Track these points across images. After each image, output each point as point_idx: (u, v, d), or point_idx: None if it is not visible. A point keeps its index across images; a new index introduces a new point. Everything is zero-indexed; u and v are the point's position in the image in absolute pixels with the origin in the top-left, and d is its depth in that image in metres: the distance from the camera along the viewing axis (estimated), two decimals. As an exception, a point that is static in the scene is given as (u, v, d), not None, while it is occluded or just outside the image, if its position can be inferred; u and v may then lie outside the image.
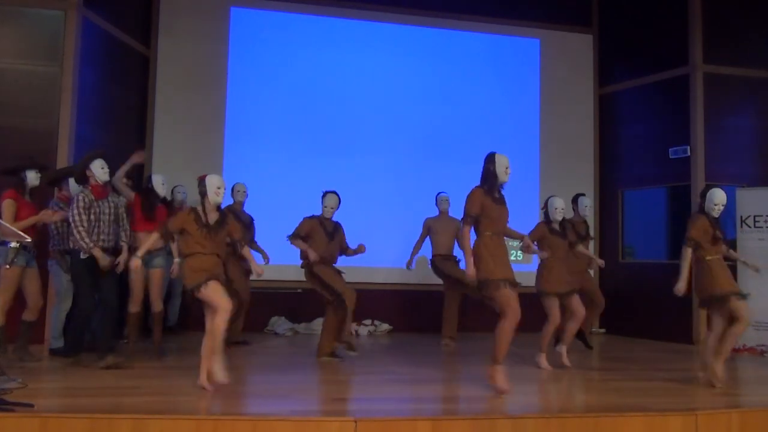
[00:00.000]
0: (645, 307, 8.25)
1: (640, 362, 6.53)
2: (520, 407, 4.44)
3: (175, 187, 7.40)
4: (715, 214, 5.21)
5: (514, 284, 4.66)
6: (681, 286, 5.12)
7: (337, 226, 6.19)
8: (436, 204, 7.45)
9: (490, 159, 4.75)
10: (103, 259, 5.18)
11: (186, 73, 8.25)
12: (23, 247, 5.25)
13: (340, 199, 6.12)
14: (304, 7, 8.68)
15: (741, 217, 7.72)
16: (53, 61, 6.55)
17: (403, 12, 8.91)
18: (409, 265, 7.38)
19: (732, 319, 5.12)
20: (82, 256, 5.23)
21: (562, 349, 5.99)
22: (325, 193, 6.11)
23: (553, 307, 5.87)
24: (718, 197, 5.23)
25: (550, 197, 6.09)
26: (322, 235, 6.01)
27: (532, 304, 5.96)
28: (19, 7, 6.59)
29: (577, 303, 5.93)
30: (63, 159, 6.38)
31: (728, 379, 5.28)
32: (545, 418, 3.99)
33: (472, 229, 4.73)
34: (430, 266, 7.46)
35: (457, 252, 7.37)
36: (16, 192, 5.45)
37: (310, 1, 8.70)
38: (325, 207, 6.06)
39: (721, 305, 5.14)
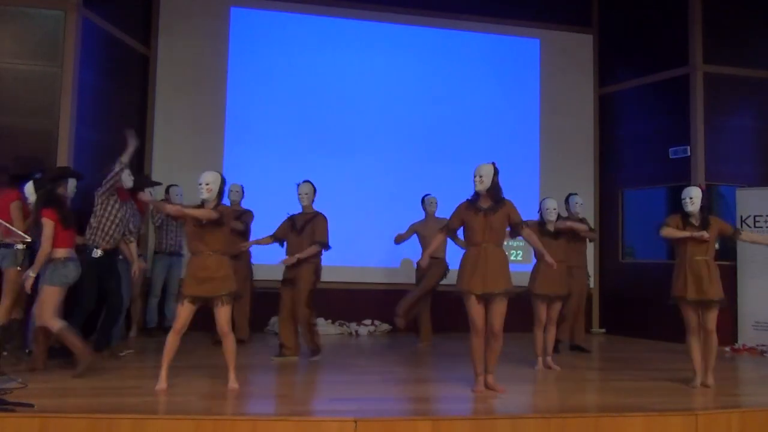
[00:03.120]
0: (645, 307, 8.24)
1: (640, 362, 6.53)
2: (520, 407, 4.44)
3: (170, 186, 7.39)
4: (685, 208, 5.15)
5: (488, 298, 4.68)
6: (700, 234, 5.06)
7: (312, 218, 6.00)
8: (423, 207, 7.41)
9: None
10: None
11: (186, 73, 8.25)
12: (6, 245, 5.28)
13: (314, 187, 6.11)
14: (304, 7, 8.68)
15: (741, 217, 7.74)
16: (53, 61, 6.54)
17: (403, 12, 8.90)
18: (397, 240, 7.43)
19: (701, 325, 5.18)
20: (94, 255, 5.32)
21: (548, 359, 5.94)
22: (298, 184, 6.11)
23: (540, 308, 5.87)
24: (684, 192, 5.22)
25: (543, 199, 6.13)
26: (289, 232, 6.03)
27: (529, 304, 5.96)
28: (19, 7, 6.58)
29: (555, 310, 5.94)
30: (63, 159, 6.38)
31: (728, 379, 5.28)
32: (545, 418, 3.99)
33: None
34: (415, 267, 7.51)
35: (447, 253, 7.38)
36: (20, 195, 5.50)
37: (310, 1, 8.70)
38: (299, 195, 6.04)
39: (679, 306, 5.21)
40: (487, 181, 4.74)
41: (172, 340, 4.62)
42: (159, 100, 8.18)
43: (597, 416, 4.06)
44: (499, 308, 4.71)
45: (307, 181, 6.13)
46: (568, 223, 6.34)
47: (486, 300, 4.72)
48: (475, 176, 4.76)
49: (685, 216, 5.18)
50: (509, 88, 9.13)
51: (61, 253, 4.91)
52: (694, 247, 5.12)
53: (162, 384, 4.53)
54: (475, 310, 4.71)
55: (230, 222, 4.90)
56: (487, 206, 4.75)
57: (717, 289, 5.09)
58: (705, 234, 5.05)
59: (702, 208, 5.16)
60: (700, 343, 5.17)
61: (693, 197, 5.14)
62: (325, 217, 6.04)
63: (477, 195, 4.80)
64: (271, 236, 6.13)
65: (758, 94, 8.15)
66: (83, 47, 6.71)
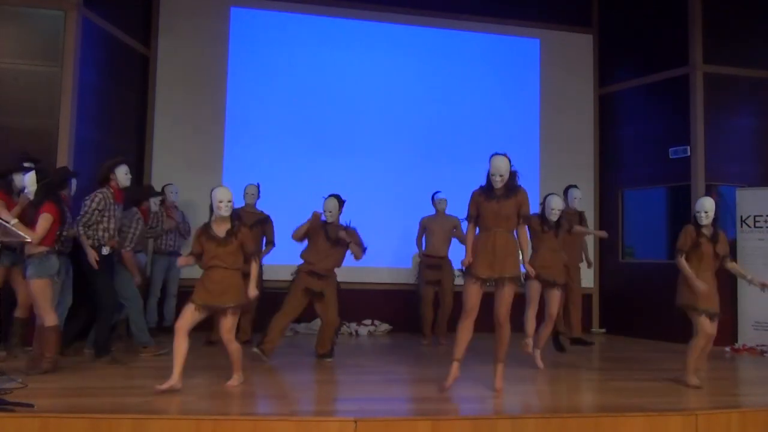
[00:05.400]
0: (645, 307, 8.24)
1: (640, 362, 6.53)
2: (520, 407, 4.45)
3: (166, 185, 7.40)
4: (700, 221, 5.18)
5: (494, 283, 4.68)
6: (697, 286, 5.12)
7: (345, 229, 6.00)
8: (433, 204, 7.50)
9: (490, 161, 4.80)
10: (91, 255, 5.35)
11: (186, 73, 8.24)
12: (6, 247, 5.28)
13: (341, 201, 6.01)
14: (304, 7, 8.67)
15: (741, 217, 7.74)
16: (53, 61, 6.54)
17: (403, 12, 8.90)
18: (421, 251, 7.52)
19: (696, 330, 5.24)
20: (104, 252, 5.35)
21: (536, 352, 5.93)
22: (325, 199, 6.01)
23: (533, 290, 5.81)
24: (698, 204, 5.24)
25: (548, 195, 6.02)
26: (323, 239, 5.92)
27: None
28: (19, 7, 6.58)
29: (554, 299, 5.88)
30: (63, 159, 6.38)
31: (728, 379, 5.28)
32: (545, 418, 3.99)
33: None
34: (419, 267, 7.59)
35: (451, 252, 7.40)
36: (4, 193, 5.54)
37: (310, 1, 8.70)
38: (324, 212, 5.94)
39: (687, 314, 5.24)
40: (506, 177, 4.73)
41: (177, 340, 4.61)
42: (159, 100, 8.18)
43: (597, 416, 4.06)
44: (506, 295, 4.70)
45: (333, 196, 6.01)
46: (577, 229, 6.39)
47: (494, 286, 4.71)
48: (495, 175, 4.70)
49: (698, 227, 5.21)
50: (509, 88, 9.12)
51: (43, 247, 4.92)
52: (706, 262, 5.17)
53: (170, 383, 4.49)
54: (471, 290, 4.67)
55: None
56: (501, 193, 4.75)
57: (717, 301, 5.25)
58: (703, 287, 5.10)
59: (714, 220, 5.19)
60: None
61: (708, 211, 5.16)
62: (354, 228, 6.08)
63: (489, 186, 4.78)
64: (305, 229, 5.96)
65: (758, 94, 8.14)
66: (83, 47, 6.71)
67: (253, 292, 4.84)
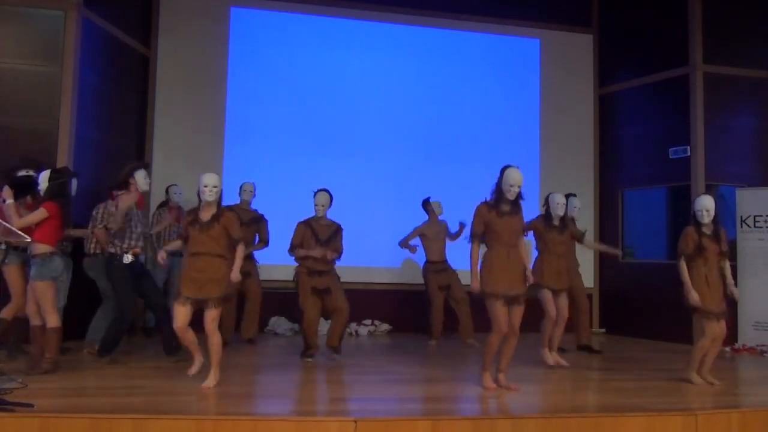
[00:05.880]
0: (645, 307, 8.25)
1: (640, 362, 6.53)
2: (520, 407, 4.44)
3: (169, 186, 7.40)
4: (701, 219, 5.15)
5: (513, 299, 4.71)
6: (692, 297, 5.12)
7: (335, 231, 6.04)
8: (428, 208, 7.52)
9: (500, 172, 4.78)
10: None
11: (186, 73, 8.24)
12: (14, 247, 5.27)
13: (331, 196, 6.03)
14: (304, 7, 8.67)
15: (741, 217, 7.74)
16: (53, 61, 6.54)
17: (403, 12, 8.90)
18: (411, 249, 7.49)
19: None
20: (125, 260, 5.37)
21: (554, 354, 5.97)
22: (315, 192, 6.04)
23: (548, 301, 5.88)
24: (698, 203, 5.20)
25: (550, 194, 6.12)
26: (311, 242, 5.95)
27: (533, 302, 5.95)
28: (19, 7, 6.58)
29: (563, 303, 5.97)
30: (63, 159, 6.38)
31: (728, 379, 5.27)
32: (545, 418, 3.99)
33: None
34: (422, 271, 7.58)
35: (450, 257, 7.45)
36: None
37: (310, 1, 8.70)
38: (316, 206, 5.97)
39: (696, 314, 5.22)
40: (521, 188, 4.75)
41: (183, 336, 4.70)
42: (159, 100, 8.18)
43: (597, 416, 4.06)
44: (521, 308, 4.78)
45: (323, 191, 6.03)
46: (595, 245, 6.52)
47: (508, 301, 4.74)
48: (513, 186, 4.68)
49: (698, 226, 5.19)
50: (509, 88, 9.12)
51: (46, 248, 4.92)
52: (712, 261, 5.15)
53: (196, 367, 4.73)
54: (502, 312, 4.69)
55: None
56: (508, 209, 4.76)
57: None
58: (696, 297, 5.07)
59: (714, 217, 5.17)
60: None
61: (709, 209, 5.14)
62: (342, 229, 6.11)
63: (499, 199, 4.77)
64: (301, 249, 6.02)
65: (758, 94, 8.14)
66: (83, 47, 6.71)
67: (236, 276, 4.72)
